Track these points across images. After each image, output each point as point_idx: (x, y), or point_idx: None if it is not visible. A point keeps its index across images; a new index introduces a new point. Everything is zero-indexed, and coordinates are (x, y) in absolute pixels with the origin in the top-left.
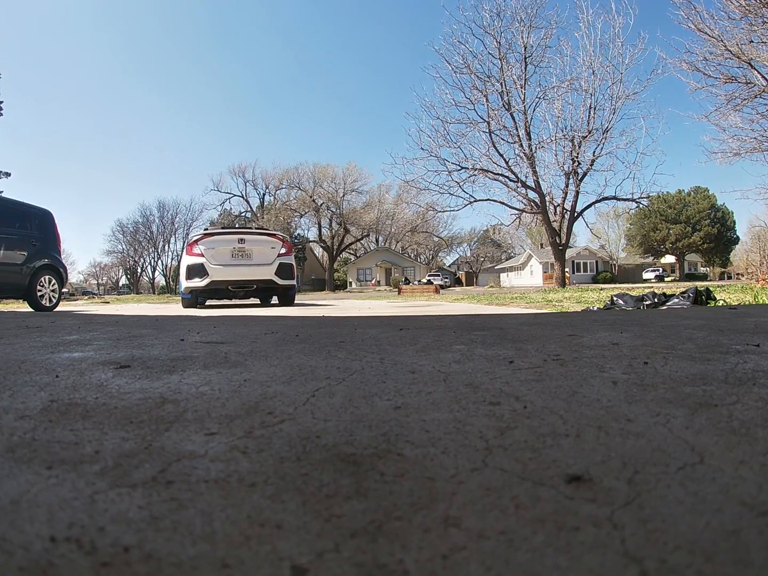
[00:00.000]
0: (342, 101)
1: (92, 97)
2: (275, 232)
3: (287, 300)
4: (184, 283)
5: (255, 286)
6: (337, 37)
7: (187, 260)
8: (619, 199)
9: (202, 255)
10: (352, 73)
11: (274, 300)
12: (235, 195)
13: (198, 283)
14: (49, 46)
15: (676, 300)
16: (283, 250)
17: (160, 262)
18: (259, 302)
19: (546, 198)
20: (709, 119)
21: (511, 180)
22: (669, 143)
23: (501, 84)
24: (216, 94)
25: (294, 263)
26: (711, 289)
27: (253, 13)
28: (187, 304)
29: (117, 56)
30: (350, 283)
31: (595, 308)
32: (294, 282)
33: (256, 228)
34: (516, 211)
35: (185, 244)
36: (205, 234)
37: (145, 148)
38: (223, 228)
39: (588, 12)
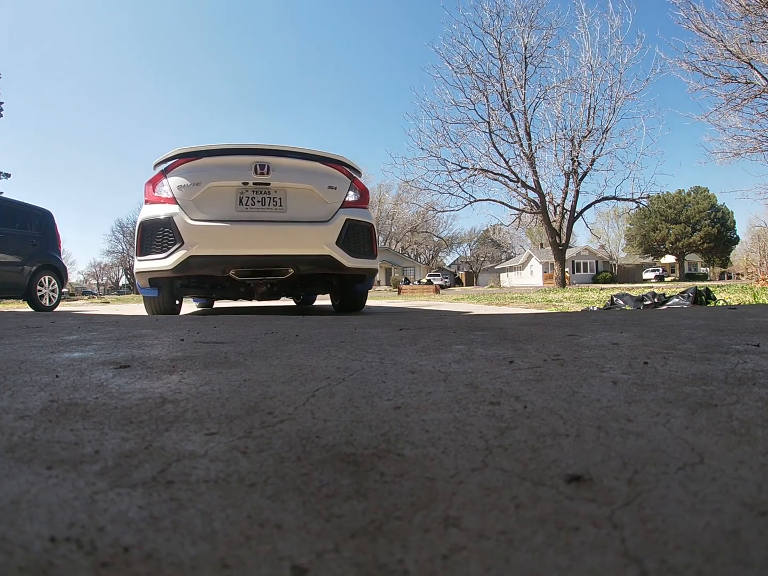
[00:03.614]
0: (342, 100)
1: (95, 92)
2: (336, 157)
3: (354, 300)
4: (137, 265)
5: (291, 272)
6: (337, 35)
7: (143, 213)
8: (619, 199)
9: (172, 200)
10: (352, 73)
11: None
12: None
13: (159, 262)
14: (55, 39)
15: (676, 300)
16: (353, 195)
17: None
18: (294, 302)
19: (546, 198)
20: (708, 119)
21: (511, 180)
22: (669, 143)
23: (501, 84)
24: (215, 93)
25: (373, 223)
26: (711, 289)
27: (254, 12)
28: (154, 307)
29: (124, 49)
30: None
31: (595, 308)
32: (375, 263)
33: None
34: (516, 211)
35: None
36: (182, 156)
37: (146, 146)
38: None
39: (587, 12)
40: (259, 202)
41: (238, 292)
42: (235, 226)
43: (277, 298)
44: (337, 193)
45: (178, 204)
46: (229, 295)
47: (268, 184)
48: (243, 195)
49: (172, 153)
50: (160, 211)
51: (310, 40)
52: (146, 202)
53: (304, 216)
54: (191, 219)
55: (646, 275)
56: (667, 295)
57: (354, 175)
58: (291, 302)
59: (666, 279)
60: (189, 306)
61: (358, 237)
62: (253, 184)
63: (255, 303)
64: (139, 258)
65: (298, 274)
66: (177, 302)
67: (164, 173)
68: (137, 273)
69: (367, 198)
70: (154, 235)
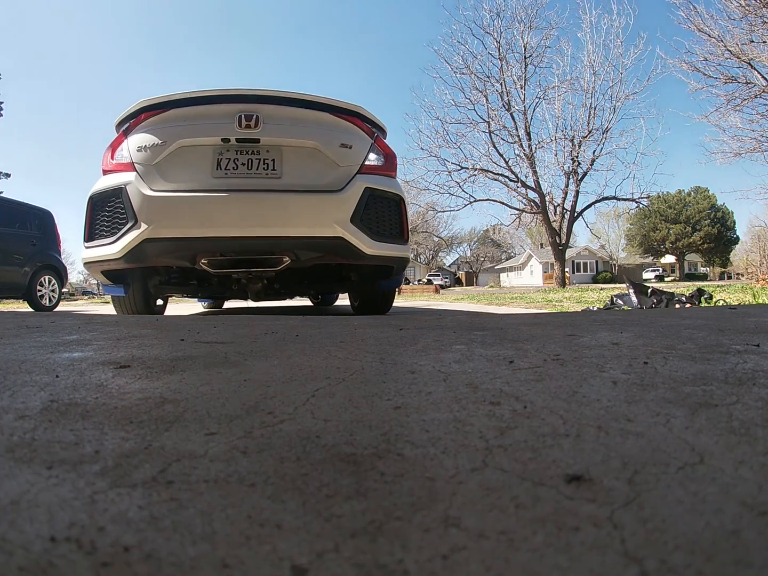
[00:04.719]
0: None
1: (96, 89)
2: (351, 107)
3: (378, 299)
4: (83, 253)
5: (286, 261)
6: (337, 34)
7: (95, 186)
8: (619, 199)
9: (130, 165)
10: (350, 72)
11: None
12: None
13: (106, 248)
14: (52, 35)
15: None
16: (375, 158)
17: None
18: (311, 302)
19: (546, 198)
20: (709, 119)
21: (511, 180)
22: (669, 143)
23: (501, 84)
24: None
25: (404, 196)
26: (704, 289)
27: (244, 14)
28: (123, 309)
29: (124, 41)
30: None
31: (595, 308)
32: (406, 250)
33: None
34: (516, 211)
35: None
36: (146, 110)
37: None
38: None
39: (589, 13)
40: (243, 165)
41: (231, 289)
42: (209, 198)
43: (283, 298)
44: (353, 154)
45: (135, 170)
46: (220, 293)
47: (257, 140)
48: (222, 156)
49: (136, 106)
50: (112, 182)
51: (306, 39)
52: (103, 172)
53: (307, 183)
54: (151, 189)
55: (646, 275)
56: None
57: (376, 132)
58: (307, 302)
59: (666, 279)
60: (195, 306)
61: (383, 213)
62: (237, 141)
63: (269, 303)
64: (86, 244)
65: (298, 264)
66: (161, 302)
67: (126, 133)
68: (85, 265)
69: (395, 164)
70: (102, 213)
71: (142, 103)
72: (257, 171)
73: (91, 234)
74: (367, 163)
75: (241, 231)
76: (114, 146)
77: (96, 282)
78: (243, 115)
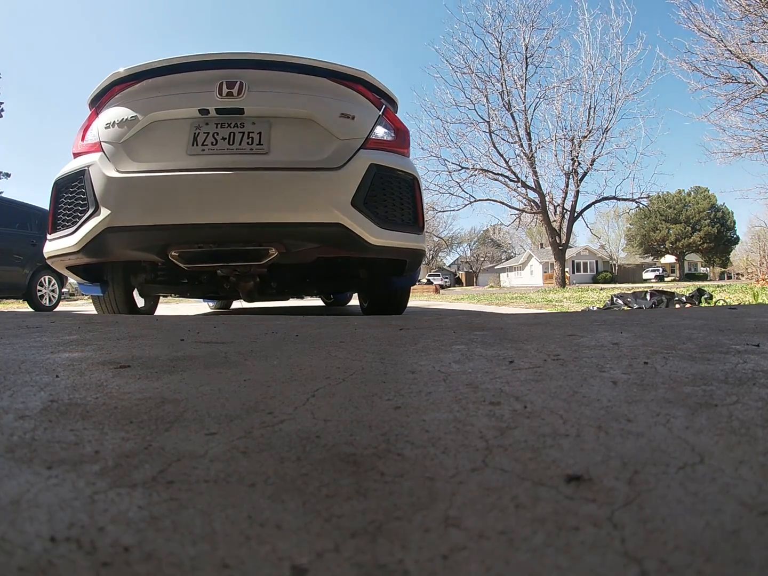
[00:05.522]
0: None
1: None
2: (353, 72)
3: (390, 298)
4: (46, 245)
5: (273, 252)
6: (337, 33)
7: (61, 171)
8: (619, 199)
9: (97, 146)
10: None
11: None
12: None
13: (64, 240)
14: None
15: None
16: (383, 132)
17: None
18: (322, 302)
19: (546, 198)
20: (709, 119)
21: (511, 180)
22: (669, 143)
23: (501, 84)
24: None
25: (418, 176)
26: (704, 289)
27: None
28: (104, 310)
29: (124, 37)
30: None
31: (595, 308)
32: (421, 240)
33: (280, 56)
34: (516, 211)
35: None
36: (119, 82)
37: None
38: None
39: (588, 14)
40: (224, 139)
41: (223, 288)
42: (181, 179)
43: (284, 298)
44: (356, 126)
45: (102, 150)
46: (212, 293)
47: (241, 111)
48: (200, 130)
49: (108, 80)
50: (77, 163)
51: (303, 39)
52: (73, 156)
53: (299, 160)
54: (117, 170)
55: (646, 275)
56: (668, 293)
57: (385, 103)
58: (318, 302)
59: (666, 279)
60: (201, 307)
61: (392, 195)
62: (217, 111)
63: (277, 304)
64: (49, 236)
65: (297, 260)
66: (151, 302)
67: (98, 111)
68: (47, 260)
69: (408, 140)
70: (64, 200)
71: (115, 76)
72: (240, 146)
73: (54, 224)
74: (373, 137)
75: (218, 217)
76: (85, 126)
77: None
78: (224, 82)
